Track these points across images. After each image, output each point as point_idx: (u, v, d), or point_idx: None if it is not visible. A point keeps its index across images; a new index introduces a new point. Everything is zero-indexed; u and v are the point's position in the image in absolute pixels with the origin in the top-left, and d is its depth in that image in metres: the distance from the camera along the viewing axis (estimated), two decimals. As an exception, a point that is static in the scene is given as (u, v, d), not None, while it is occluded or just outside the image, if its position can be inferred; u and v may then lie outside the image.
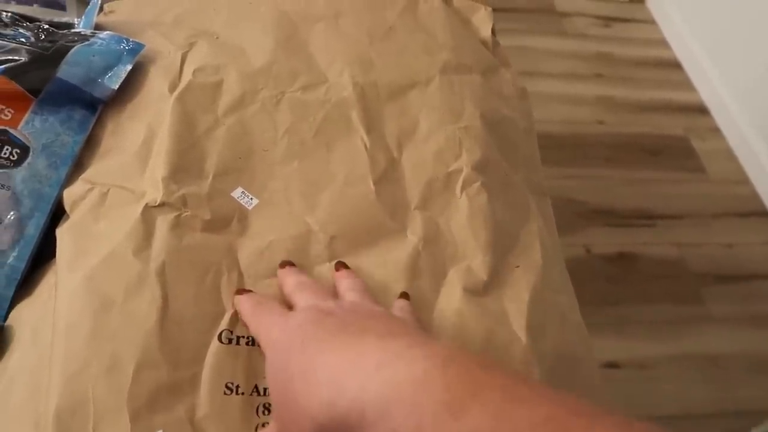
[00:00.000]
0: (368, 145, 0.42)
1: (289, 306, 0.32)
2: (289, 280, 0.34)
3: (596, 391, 0.38)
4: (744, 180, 1.60)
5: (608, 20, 2.00)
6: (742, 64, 1.65)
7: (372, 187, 0.40)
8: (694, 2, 1.85)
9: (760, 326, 1.32)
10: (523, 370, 0.33)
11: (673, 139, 1.68)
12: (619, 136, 1.66)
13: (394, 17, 0.50)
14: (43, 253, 0.38)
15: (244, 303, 0.33)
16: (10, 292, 0.36)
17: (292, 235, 0.37)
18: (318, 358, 0.25)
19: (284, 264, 0.35)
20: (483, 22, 0.55)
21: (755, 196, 1.57)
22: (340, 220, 0.38)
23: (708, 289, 1.38)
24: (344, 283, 0.34)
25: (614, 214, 1.49)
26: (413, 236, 0.38)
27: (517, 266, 0.39)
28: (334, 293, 0.34)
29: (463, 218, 0.40)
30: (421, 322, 0.34)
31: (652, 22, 2.02)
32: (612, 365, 1.23)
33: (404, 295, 0.35)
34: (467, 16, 0.55)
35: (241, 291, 0.34)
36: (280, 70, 0.44)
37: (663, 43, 1.96)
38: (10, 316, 0.36)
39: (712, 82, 1.75)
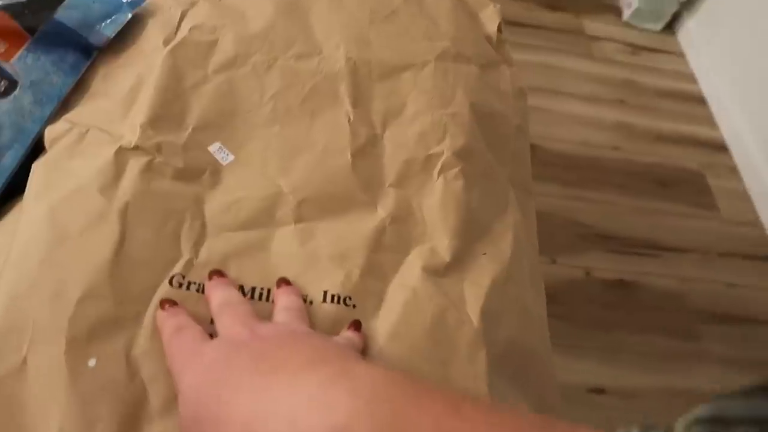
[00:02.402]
0: (352, 119, 0.42)
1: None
2: (215, 296, 0.31)
3: (549, 384, 0.37)
4: (755, 222, 1.57)
5: (637, 48, 1.99)
6: (767, 106, 1.62)
7: (349, 159, 0.40)
8: (725, 39, 1.83)
9: (753, 370, 1.30)
10: (468, 353, 0.33)
11: (687, 173, 1.66)
12: (633, 164, 1.65)
13: (399, 1, 0.51)
14: (19, 188, 0.39)
15: (164, 324, 0.30)
16: (-21, 217, 0.36)
17: (261, 195, 0.37)
18: (229, 408, 0.24)
19: (212, 274, 0.33)
20: (490, 18, 0.55)
21: (764, 239, 1.54)
22: (312, 186, 0.38)
23: (705, 327, 1.35)
24: (281, 300, 0.32)
25: (619, 240, 1.47)
26: (382, 211, 0.38)
27: (484, 253, 0.38)
28: (261, 313, 0.32)
29: (436, 201, 0.39)
30: (364, 350, 0.32)
31: (680, 54, 2.01)
32: (597, 390, 1.21)
33: (355, 325, 0.32)
34: (475, 10, 0.55)
35: (164, 304, 0.31)
36: (276, 36, 0.45)
37: (689, 76, 1.94)
38: (-25, 240, 0.36)
39: (735, 120, 1.72)
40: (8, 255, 0.32)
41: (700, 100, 1.86)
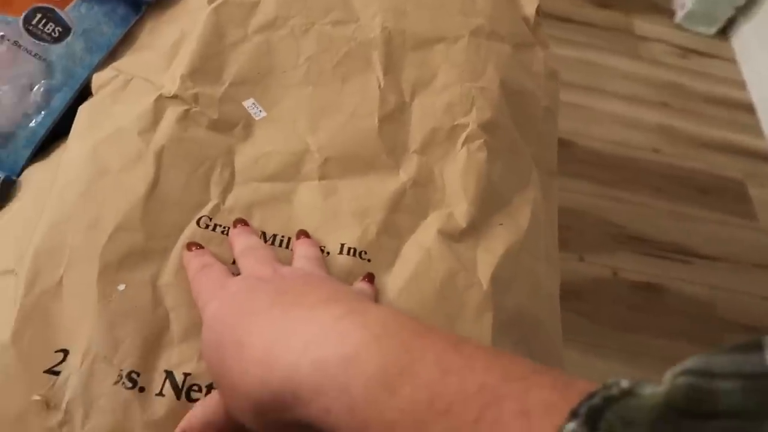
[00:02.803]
0: (382, 85, 0.43)
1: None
2: (238, 241, 0.33)
3: (555, 354, 0.38)
4: (795, 236, 1.53)
5: (687, 51, 1.94)
6: (819, 117, 1.57)
7: (376, 123, 0.41)
8: (780, 47, 1.78)
9: (779, 385, 1.27)
10: (475, 313, 0.34)
11: (728, 181, 1.62)
12: (672, 168, 1.62)
13: (438, -24, 0.51)
14: (64, 129, 0.41)
15: (190, 262, 0.32)
16: (27, 152, 0.39)
17: (289, 150, 0.39)
18: (250, 334, 0.25)
19: (237, 222, 0.34)
20: (529, 0, 0.55)
21: (804, 255, 1.50)
22: (338, 146, 0.39)
23: (732, 337, 1.33)
24: (300, 249, 0.34)
25: (650, 243, 1.45)
26: (404, 175, 0.39)
27: (501, 224, 0.39)
28: (281, 259, 0.33)
29: (458, 169, 0.40)
30: (375, 301, 0.33)
31: (732, 60, 1.95)
32: (615, 390, 1.20)
33: (369, 277, 0.34)
34: (515, -9, 0.55)
35: (191, 246, 0.33)
36: (315, 2, 0.46)
37: (739, 83, 1.88)
38: (23, 174, 0.39)
39: (784, 131, 1.67)
40: (52, 187, 0.34)
41: (749, 108, 1.81)
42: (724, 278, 1.42)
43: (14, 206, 0.36)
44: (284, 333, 0.24)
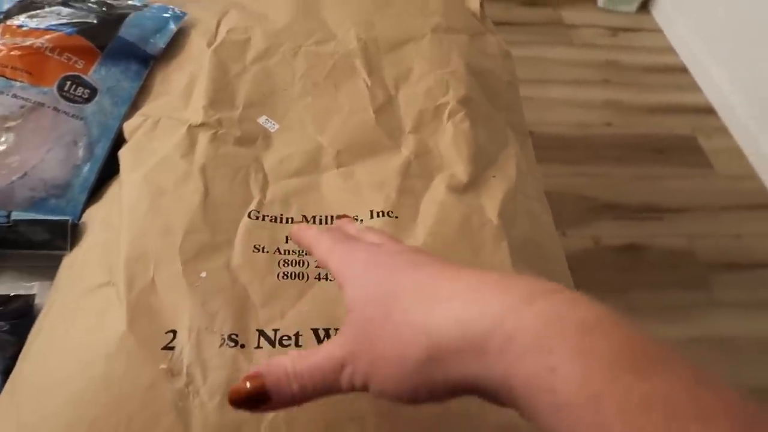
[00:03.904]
0: (369, 84, 0.50)
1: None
2: (320, 238, 0.31)
3: (563, 276, 0.45)
4: (751, 175, 1.64)
5: (615, 30, 2.09)
6: (746, 64, 1.71)
7: (372, 115, 0.48)
8: (697, 9, 1.93)
9: (764, 311, 1.36)
10: (492, 243, 0.41)
11: (680, 138, 1.74)
12: (627, 137, 1.73)
13: (393, -10, 0.60)
14: (107, 174, 0.47)
15: (320, 242, 0.30)
16: (83, 197, 0.45)
17: (306, 149, 0.46)
18: (440, 276, 0.24)
19: (295, 231, 0.33)
20: (472, -3, 0.64)
21: (763, 190, 1.61)
22: (345, 139, 0.46)
23: (716, 277, 1.42)
24: (349, 228, 0.33)
25: (623, 208, 1.55)
26: (406, 151, 0.46)
27: (494, 176, 0.47)
28: None
29: (449, 139, 0.48)
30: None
31: (658, 30, 2.10)
32: (622, 346, 1.27)
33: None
34: (458, -8, 0.64)
35: (305, 229, 0.32)
36: (297, 29, 0.54)
37: (669, 49, 2.03)
38: (82, 216, 0.45)
39: (718, 83, 1.81)
40: (120, 214, 0.40)
41: (682, 70, 1.95)
42: (697, 226, 1.52)
43: (86, 241, 0.42)
44: (496, 280, 0.23)
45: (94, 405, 0.32)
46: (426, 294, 0.23)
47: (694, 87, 1.90)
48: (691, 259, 1.46)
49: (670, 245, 1.48)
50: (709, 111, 1.82)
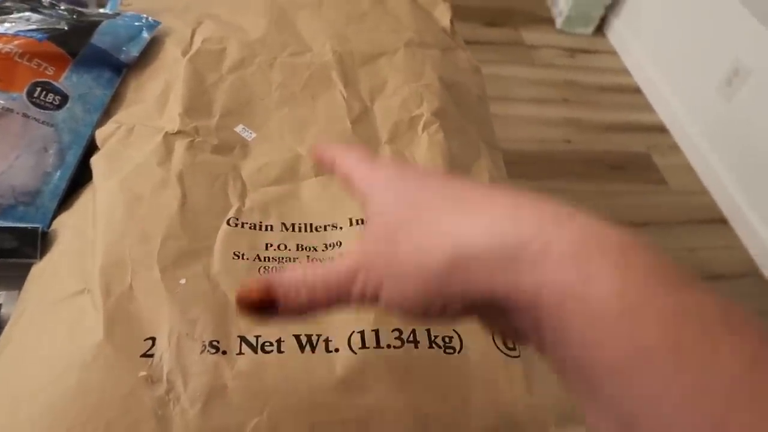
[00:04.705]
0: (345, 96, 0.51)
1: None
2: (349, 161, 0.28)
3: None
4: (702, 191, 1.72)
5: (573, 51, 2.16)
6: (696, 86, 1.79)
7: (349, 125, 0.49)
8: (651, 34, 2.01)
9: (722, 321, 1.41)
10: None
11: (636, 156, 1.80)
12: (586, 153, 1.78)
13: (367, 6, 0.61)
14: (79, 181, 0.46)
15: (347, 153, 0.28)
16: (54, 205, 0.44)
17: (284, 158, 0.46)
18: (473, 190, 0.22)
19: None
20: (443, 14, 0.66)
21: (713, 205, 1.68)
22: (323, 148, 0.47)
23: (673, 289, 1.46)
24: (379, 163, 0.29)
25: (583, 222, 1.59)
26: (383, 161, 0.47)
27: (468, 186, 0.48)
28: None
29: (424, 149, 0.49)
30: None
31: (613, 52, 2.18)
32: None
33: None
34: (429, 9, 0.66)
35: (327, 146, 0.30)
36: (272, 41, 0.54)
37: (623, 71, 2.11)
38: (52, 224, 0.44)
39: (670, 103, 1.89)
40: (95, 219, 0.39)
41: (636, 90, 2.03)
42: (653, 240, 1.57)
43: (57, 248, 0.41)
44: (529, 198, 0.22)
45: (69, 414, 0.31)
46: (457, 204, 0.22)
47: (648, 107, 1.98)
48: (648, 272, 1.50)
49: (628, 259, 1.52)
50: (662, 130, 1.90)
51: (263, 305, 0.23)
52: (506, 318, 0.20)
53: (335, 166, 0.29)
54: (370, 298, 0.23)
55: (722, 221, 1.64)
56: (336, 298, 0.23)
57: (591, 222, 0.20)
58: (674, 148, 1.83)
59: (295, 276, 0.24)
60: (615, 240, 0.19)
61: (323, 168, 0.32)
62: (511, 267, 0.19)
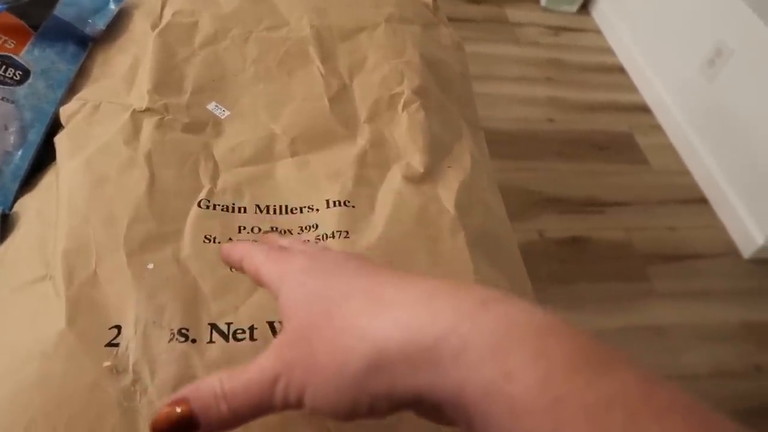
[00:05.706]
0: (323, 72, 0.49)
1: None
2: (253, 251, 0.29)
3: (517, 265, 0.45)
4: (684, 171, 1.72)
5: (557, 29, 2.14)
6: (679, 67, 1.78)
7: (327, 103, 0.47)
8: (635, 13, 2.00)
9: (701, 299, 1.43)
10: (450, 232, 0.40)
11: (618, 135, 1.80)
12: (568, 133, 1.78)
13: (346, -22, 0.58)
14: (42, 161, 0.44)
15: (253, 256, 0.28)
16: (15, 186, 0.42)
17: (258, 137, 0.44)
18: (387, 283, 0.22)
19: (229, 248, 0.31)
20: (425, -12, 0.64)
21: (694, 185, 1.69)
22: (300, 127, 0.45)
23: (653, 268, 1.48)
24: (294, 244, 0.31)
25: (566, 202, 1.59)
26: (362, 140, 0.46)
27: (449, 167, 0.46)
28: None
29: (404, 129, 0.47)
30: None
31: (597, 31, 2.17)
32: (565, 337, 1.31)
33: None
34: (411, -17, 0.64)
35: (234, 244, 0.31)
36: (246, 15, 0.52)
37: (608, 50, 2.10)
38: (14, 206, 0.41)
39: (653, 83, 1.88)
40: (58, 201, 0.38)
41: (620, 70, 2.02)
42: (634, 219, 1.58)
43: (19, 232, 0.39)
44: (447, 283, 0.22)
45: (29, 407, 0.29)
46: (371, 300, 0.22)
47: (631, 86, 1.97)
48: (629, 251, 1.51)
49: (611, 238, 1.53)
50: (645, 110, 1.90)
51: (181, 426, 0.22)
52: (437, 411, 0.20)
53: (243, 265, 0.29)
54: (294, 404, 0.22)
55: (703, 201, 1.65)
56: (258, 408, 0.23)
57: (508, 309, 0.20)
58: (656, 128, 1.84)
59: (213, 388, 0.23)
60: (534, 327, 0.19)
61: (234, 267, 0.32)
62: (432, 364, 0.19)
